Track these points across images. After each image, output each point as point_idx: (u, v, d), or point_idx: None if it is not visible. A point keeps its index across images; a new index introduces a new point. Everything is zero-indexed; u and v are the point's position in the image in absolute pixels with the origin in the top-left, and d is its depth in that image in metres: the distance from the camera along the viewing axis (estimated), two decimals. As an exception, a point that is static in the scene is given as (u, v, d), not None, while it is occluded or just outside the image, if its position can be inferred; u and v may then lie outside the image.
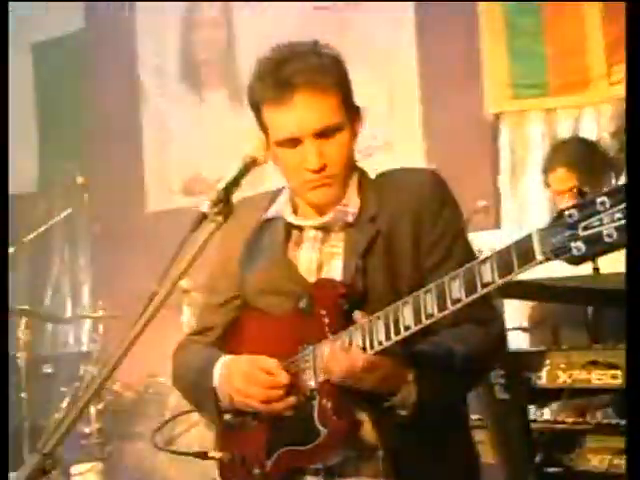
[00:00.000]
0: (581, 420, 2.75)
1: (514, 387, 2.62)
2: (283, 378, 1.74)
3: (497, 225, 4.98)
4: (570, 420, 2.74)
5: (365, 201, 1.84)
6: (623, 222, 1.29)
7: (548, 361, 2.59)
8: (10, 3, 4.21)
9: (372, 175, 1.92)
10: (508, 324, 4.39)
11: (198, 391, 1.87)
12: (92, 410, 4.59)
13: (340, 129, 1.79)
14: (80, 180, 5.42)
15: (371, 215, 1.82)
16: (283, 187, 1.96)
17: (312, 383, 1.73)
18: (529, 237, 1.40)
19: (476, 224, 3.87)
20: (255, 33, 5.88)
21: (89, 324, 6.12)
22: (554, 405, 2.84)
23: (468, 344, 1.72)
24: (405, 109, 5.49)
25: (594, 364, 2.47)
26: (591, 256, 1.33)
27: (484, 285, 1.45)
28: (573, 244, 1.33)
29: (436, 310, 1.52)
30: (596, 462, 2.54)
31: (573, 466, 2.58)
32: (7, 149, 3.50)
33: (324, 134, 1.77)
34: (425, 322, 1.54)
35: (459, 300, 1.48)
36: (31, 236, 5.35)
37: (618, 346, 2.55)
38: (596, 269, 1.34)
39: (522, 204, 5.13)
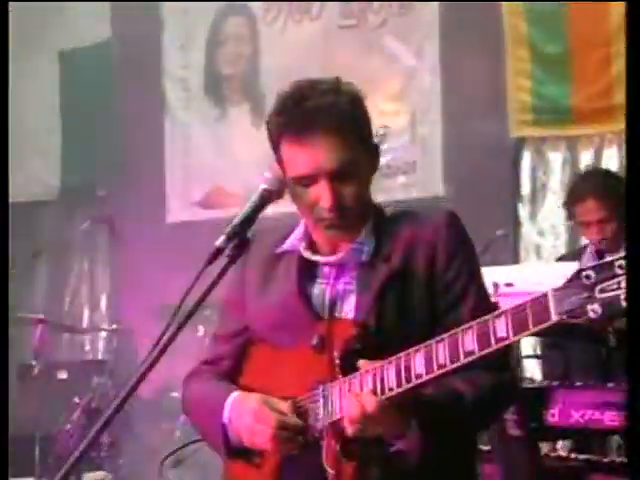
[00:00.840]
0: (593, 458, 2.74)
1: (526, 424, 2.61)
2: (293, 420, 1.74)
3: (515, 255, 4.95)
4: (582, 458, 2.72)
5: (380, 240, 1.83)
6: (641, 286, 1.28)
7: (561, 399, 2.57)
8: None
9: (388, 213, 1.91)
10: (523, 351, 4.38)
11: (208, 425, 1.88)
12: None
13: (357, 169, 1.79)
14: (101, 193, 5.46)
15: (386, 254, 1.81)
16: (299, 221, 1.95)
17: (320, 424, 1.73)
18: (545, 297, 1.39)
19: (494, 255, 3.85)
20: (279, 49, 5.91)
21: (106, 333, 6.15)
22: (566, 443, 2.83)
23: (478, 390, 1.71)
24: (427, 131, 5.48)
25: (608, 405, 2.46)
26: (608, 319, 1.32)
27: (498, 340, 1.45)
28: (590, 306, 1.32)
29: (448, 361, 1.52)
30: (607, 502, 2.52)
31: (583, 505, 2.57)
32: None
33: (340, 173, 1.76)
34: (437, 372, 1.53)
35: (472, 353, 1.48)
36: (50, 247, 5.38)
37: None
38: (612, 331, 1.33)
39: (542, 231, 5.11)
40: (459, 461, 1.81)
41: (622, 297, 1.29)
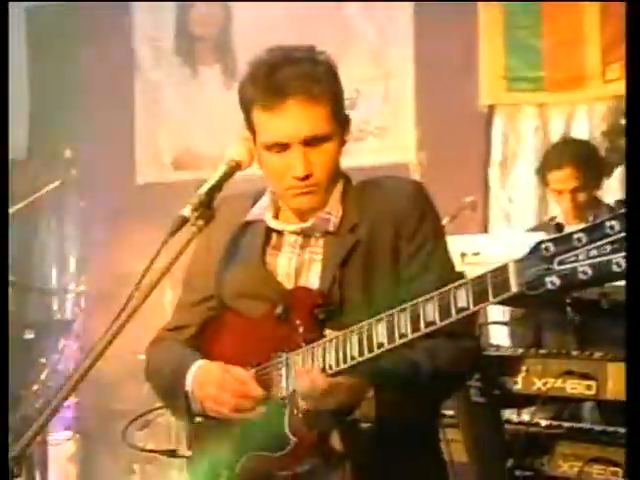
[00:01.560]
0: (554, 424, 2.78)
1: (489, 391, 2.64)
2: (254, 389, 1.75)
3: (485, 223, 4.98)
4: (543, 424, 2.77)
5: (347, 210, 1.84)
6: (599, 260, 1.29)
7: (524, 367, 2.61)
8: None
9: (355, 183, 1.92)
10: (490, 317, 4.43)
11: (170, 392, 1.89)
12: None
13: (329, 138, 1.80)
14: (68, 154, 5.39)
15: (352, 224, 1.82)
16: (266, 188, 1.95)
17: (284, 391, 1.74)
18: (505, 268, 1.40)
19: (463, 221, 3.86)
20: (252, 11, 5.82)
21: (74, 294, 6.12)
22: (528, 410, 2.87)
23: (437, 359, 1.73)
24: (399, 96, 5.46)
25: (570, 373, 2.49)
26: (565, 292, 1.33)
27: (459, 310, 1.46)
28: (548, 278, 1.34)
29: (409, 330, 1.53)
30: (566, 468, 2.57)
31: (543, 471, 2.62)
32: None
33: (312, 142, 1.77)
34: (398, 341, 1.55)
35: (433, 323, 1.50)
36: (18, 206, 5.32)
37: (594, 356, 2.57)
38: (569, 303, 1.35)
39: (511, 197, 5.13)
40: (421, 428, 1.84)
41: (579, 269, 1.31)
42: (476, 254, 2.65)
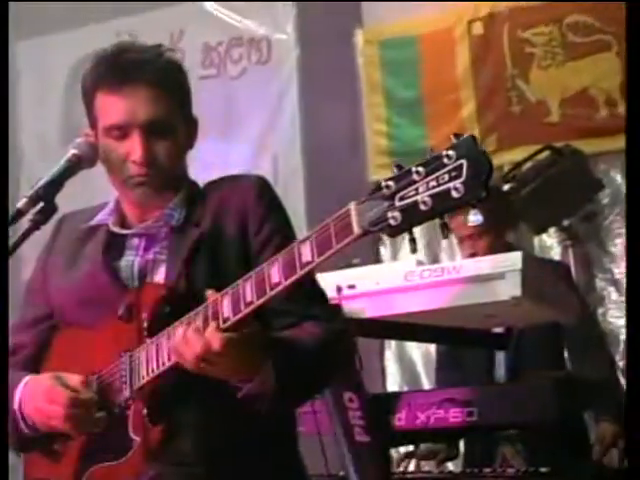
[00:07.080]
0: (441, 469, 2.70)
1: (373, 429, 2.53)
2: (87, 395, 1.61)
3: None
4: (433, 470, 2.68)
5: (191, 207, 1.77)
6: (438, 189, 1.24)
7: (407, 402, 2.52)
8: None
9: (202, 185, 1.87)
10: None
11: None
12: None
13: (172, 131, 1.74)
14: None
15: (196, 220, 1.75)
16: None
17: (127, 392, 1.60)
18: (347, 212, 1.35)
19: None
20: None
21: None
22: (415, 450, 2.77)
23: (310, 339, 1.63)
24: (289, 178, 5.47)
25: (451, 401, 2.41)
26: (408, 226, 1.28)
27: (303, 265, 1.38)
28: (390, 214, 1.28)
29: (255, 297, 1.43)
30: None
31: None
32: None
33: (155, 128, 1.71)
34: (244, 311, 1.44)
35: (278, 284, 1.40)
36: None
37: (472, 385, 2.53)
38: (412, 239, 1.30)
39: (402, 272, 5.12)
40: (282, 439, 1.72)
41: (420, 201, 1.25)
42: (351, 287, 2.58)
